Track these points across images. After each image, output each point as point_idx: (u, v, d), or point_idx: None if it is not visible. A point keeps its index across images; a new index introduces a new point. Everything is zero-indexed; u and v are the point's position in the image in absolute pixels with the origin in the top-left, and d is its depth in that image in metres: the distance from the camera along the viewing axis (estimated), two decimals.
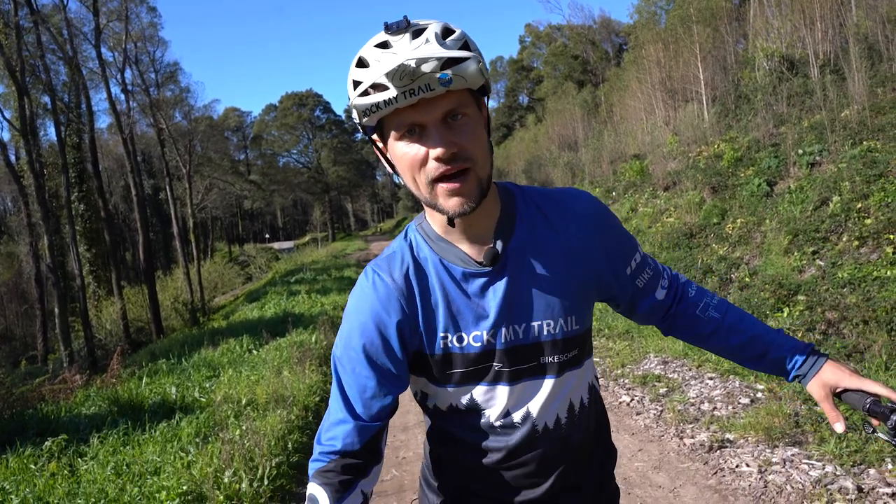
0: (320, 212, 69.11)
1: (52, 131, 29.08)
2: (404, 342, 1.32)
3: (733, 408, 5.26)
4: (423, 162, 1.18)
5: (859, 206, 8.00)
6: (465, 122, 1.19)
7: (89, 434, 6.09)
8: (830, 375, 1.40)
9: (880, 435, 1.36)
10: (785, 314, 6.99)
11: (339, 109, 77.92)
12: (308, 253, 39.82)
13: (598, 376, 6.80)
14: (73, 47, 25.66)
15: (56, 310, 22.12)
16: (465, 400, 1.38)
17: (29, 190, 24.02)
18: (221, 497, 4.11)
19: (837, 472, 3.92)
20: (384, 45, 1.15)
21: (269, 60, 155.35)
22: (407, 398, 1.54)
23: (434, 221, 1.34)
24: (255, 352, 9.95)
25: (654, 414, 5.54)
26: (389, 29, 1.15)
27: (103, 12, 27.48)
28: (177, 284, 34.97)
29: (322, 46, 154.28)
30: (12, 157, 27.04)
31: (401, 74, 1.08)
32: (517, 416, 1.38)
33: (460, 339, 1.32)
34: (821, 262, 7.80)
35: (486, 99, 1.26)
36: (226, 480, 4.35)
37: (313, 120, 72.08)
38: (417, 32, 1.14)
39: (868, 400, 1.36)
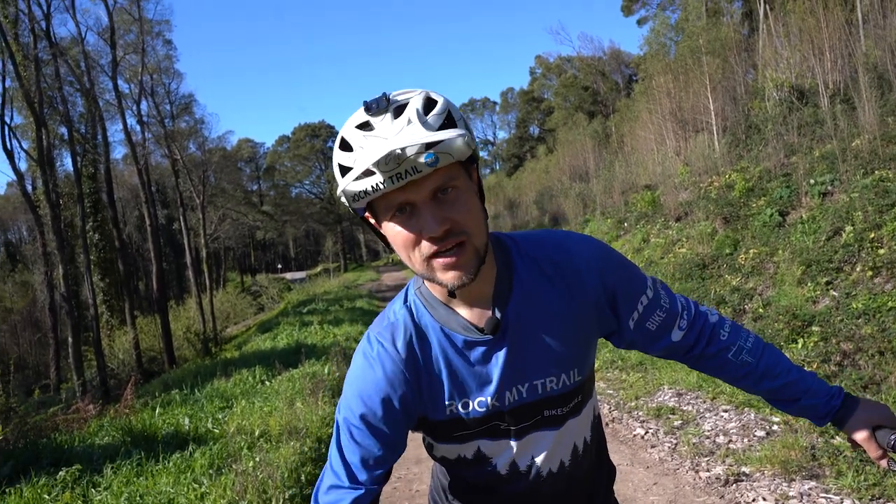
0: (332, 242, 69.43)
1: (68, 162, 29.51)
2: (408, 412, 1.33)
3: (749, 440, 5.22)
4: (417, 241, 1.18)
5: (872, 235, 7.97)
6: (455, 196, 1.18)
7: (103, 464, 6.08)
8: (873, 413, 1.41)
9: None
10: (799, 345, 6.95)
11: None
12: (320, 283, 39.86)
13: (612, 408, 6.79)
14: (91, 79, 26.18)
15: (70, 339, 22.28)
16: (471, 453, 1.41)
17: (45, 220, 24.35)
18: None
19: None
20: (366, 126, 1.15)
21: (282, 92, 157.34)
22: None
23: (433, 287, 1.33)
24: (267, 383, 9.97)
25: (669, 447, 5.50)
26: (370, 109, 1.14)
27: (120, 45, 28.05)
28: (189, 314, 35.09)
29: (334, 78, 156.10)
30: (29, 188, 27.39)
31: (386, 160, 1.07)
32: (522, 466, 1.42)
33: (465, 406, 1.34)
34: (835, 293, 7.76)
35: (474, 166, 1.25)
36: None
37: (326, 151, 72.79)
38: (398, 111, 1.14)
39: (892, 436, 1.37)
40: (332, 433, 4.85)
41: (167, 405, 9.13)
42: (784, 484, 4.35)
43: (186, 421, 7.65)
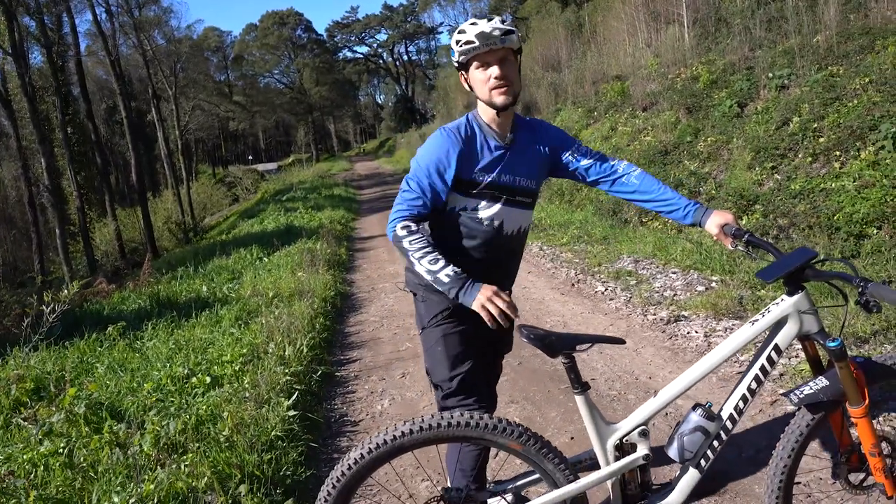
0: (304, 133, 68.92)
1: (38, 56, 29.03)
2: (457, 166, 2.41)
3: (690, 294, 6.27)
4: (488, 80, 2.38)
5: (815, 126, 8.81)
6: (510, 65, 2.41)
7: (140, 324, 6.97)
8: (720, 217, 2.46)
9: (739, 248, 2.32)
10: (743, 221, 7.91)
11: (320, 29, 76.28)
12: (294, 173, 40.02)
13: (578, 272, 7.84)
14: None
15: (57, 231, 22.83)
16: (471, 206, 2.51)
17: (21, 114, 24.31)
18: (274, 357, 5.05)
19: None
20: (473, 24, 2.36)
21: None
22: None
23: (484, 115, 2.50)
24: (265, 259, 10.77)
25: (625, 299, 6.57)
26: (476, 17, 2.45)
27: None
28: (167, 206, 35.46)
29: None
30: None
31: (483, 36, 2.30)
32: (496, 223, 2.53)
33: (482, 176, 2.47)
34: (778, 176, 8.69)
35: (519, 55, 2.45)
36: (272, 349, 5.28)
37: (294, 39, 71.19)
38: (489, 20, 2.35)
39: (734, 228, 2.36)
40: (333, 294, 6.21)
41: (181, 279, 9.96)
42: (713, 322, 5.43)
43: (204, 288, 8.54)
